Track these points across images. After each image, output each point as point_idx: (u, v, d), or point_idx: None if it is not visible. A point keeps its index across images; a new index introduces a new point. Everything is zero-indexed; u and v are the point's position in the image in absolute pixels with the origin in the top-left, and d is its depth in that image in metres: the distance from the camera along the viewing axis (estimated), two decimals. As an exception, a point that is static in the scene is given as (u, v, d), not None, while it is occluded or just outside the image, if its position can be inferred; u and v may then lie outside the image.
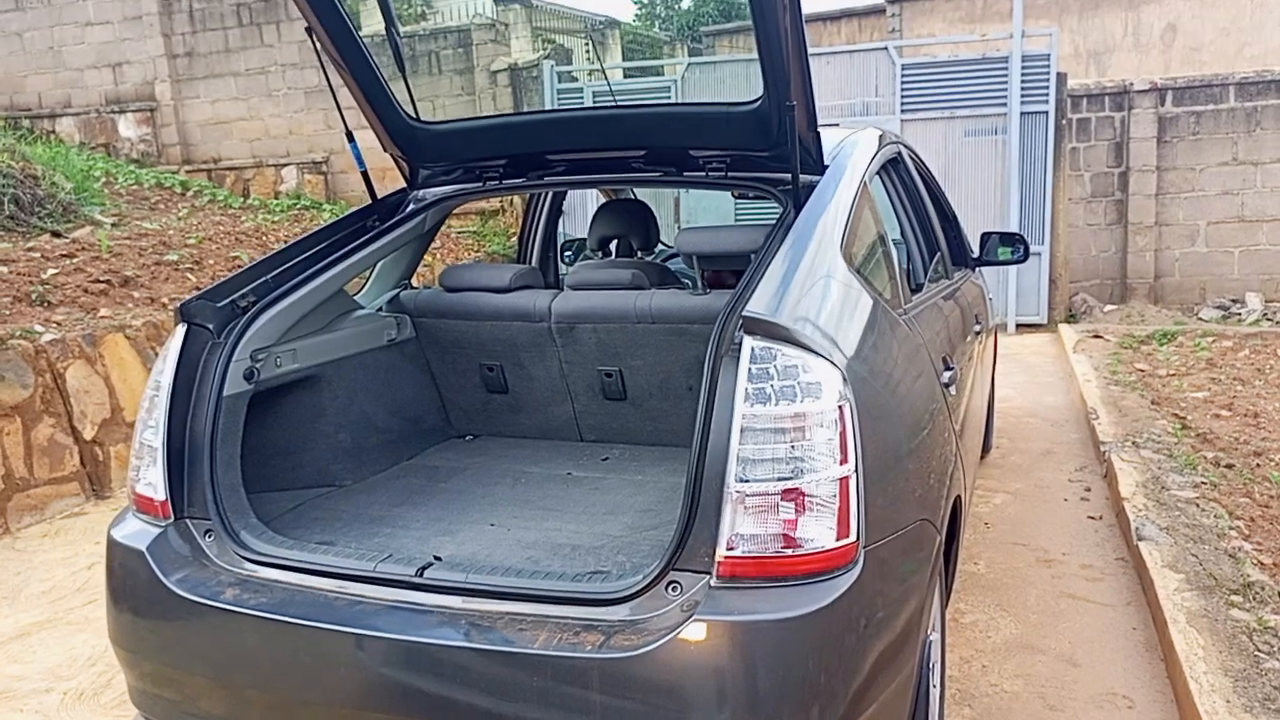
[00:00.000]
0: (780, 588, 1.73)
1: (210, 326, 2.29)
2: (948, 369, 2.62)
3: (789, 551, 1.74)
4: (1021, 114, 8.70)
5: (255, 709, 2.02)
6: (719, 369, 1.82)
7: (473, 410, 3.26)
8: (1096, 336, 8.09)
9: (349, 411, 2.84)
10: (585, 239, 3.71)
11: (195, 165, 10.73)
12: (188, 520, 2.18)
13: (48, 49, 10.89)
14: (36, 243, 6.51)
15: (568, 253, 4.76)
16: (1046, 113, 8.71)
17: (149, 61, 10.68)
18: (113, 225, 7.58)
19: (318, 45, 2.59)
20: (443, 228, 3.31)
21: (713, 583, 1.75)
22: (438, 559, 2.04)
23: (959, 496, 2.57)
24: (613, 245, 3.65)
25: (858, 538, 1.78)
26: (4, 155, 7.12)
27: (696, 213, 8.94)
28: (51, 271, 5.88)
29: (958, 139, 8.94)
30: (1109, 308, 9.36)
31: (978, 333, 3.70)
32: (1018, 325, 8.94)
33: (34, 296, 5.45)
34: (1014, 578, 3.67)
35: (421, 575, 1.94)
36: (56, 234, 6.85)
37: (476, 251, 9.60)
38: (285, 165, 10.55)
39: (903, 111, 8.99)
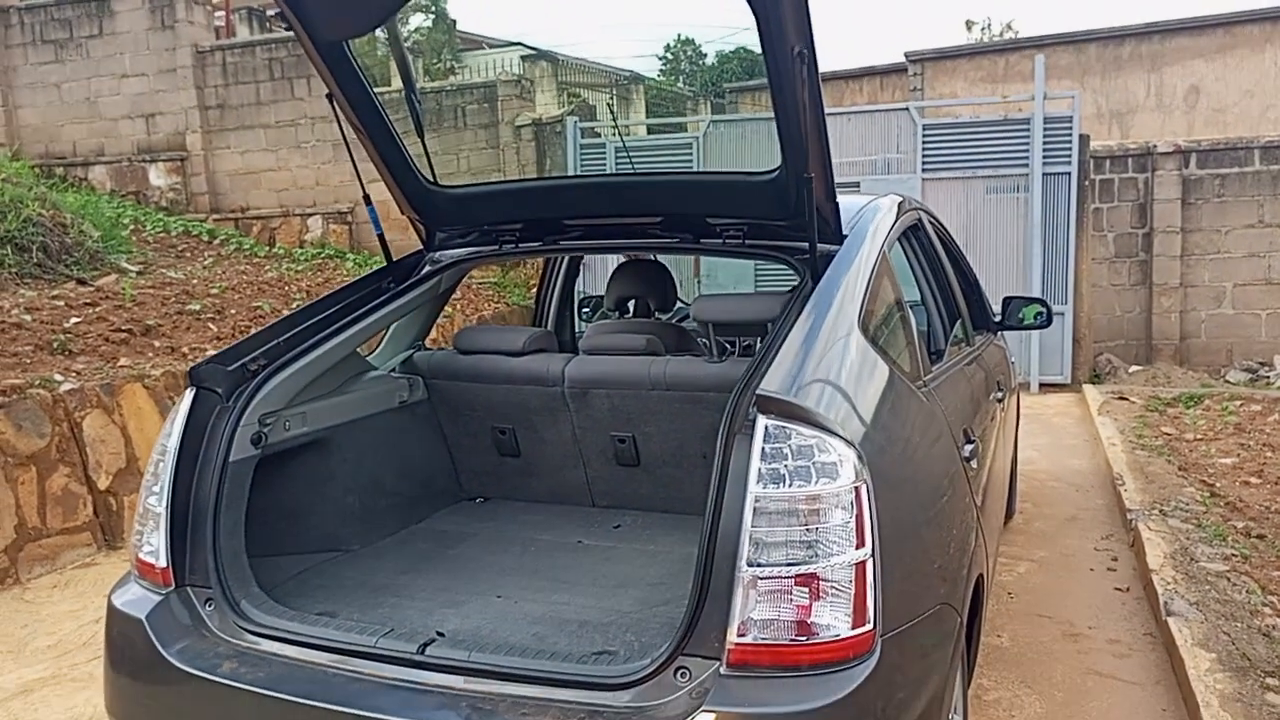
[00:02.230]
0: (794, 678, 1.67)
1: (219, 390, 2.27)
2: (969, 442, 2.56)
3: (803, 639, 1.67)
4: (1044, 175, 8.66)
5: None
6: (731, 447, 1.77)
7: (484, 473, 3.22)
8: (1121, 398, 7.96)
9: (358, 474, 2.81)
10: (603, 296, 3.70)
11: (223, 214, 10.89)
12: (189, 588, 2.14)
13: (84, 99, 11.15)
14: (62, 290, 6.59)
15: (585, 309, 4.74)
16: (1069, 174, 8.67)
17: (181, 112, 10.91)
18: (138, 273, 7.67)
19: (337, 109, 2.60)
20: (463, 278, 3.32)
21: (723, 670, 1.69)
22: (440, 634, 1.98)
23: (981, 574, 2.49)
24: (630, 304, 3.63)
25: (875, 626, 1.71)
26: (35, 204, 7.24)
27: (717, 270, 8.94)
28: (74, 320, 5.93)
29: (979, 198, 8.92)
30: (1134, 368, 9.24)
31: (1000, 399, 3.63)
32: (1041, 385, 8.83)
33: (55, 345, 5.49)
34: (1039, 652, 3.56)
35: (423, 652, 1.89)
36: (82, 281, 6.93)
37: (497, 303, 9.63)
38: (311, 215, 10.68)
39: (924, 170, 8.99)
